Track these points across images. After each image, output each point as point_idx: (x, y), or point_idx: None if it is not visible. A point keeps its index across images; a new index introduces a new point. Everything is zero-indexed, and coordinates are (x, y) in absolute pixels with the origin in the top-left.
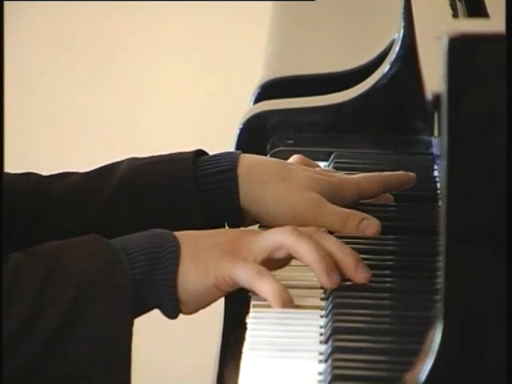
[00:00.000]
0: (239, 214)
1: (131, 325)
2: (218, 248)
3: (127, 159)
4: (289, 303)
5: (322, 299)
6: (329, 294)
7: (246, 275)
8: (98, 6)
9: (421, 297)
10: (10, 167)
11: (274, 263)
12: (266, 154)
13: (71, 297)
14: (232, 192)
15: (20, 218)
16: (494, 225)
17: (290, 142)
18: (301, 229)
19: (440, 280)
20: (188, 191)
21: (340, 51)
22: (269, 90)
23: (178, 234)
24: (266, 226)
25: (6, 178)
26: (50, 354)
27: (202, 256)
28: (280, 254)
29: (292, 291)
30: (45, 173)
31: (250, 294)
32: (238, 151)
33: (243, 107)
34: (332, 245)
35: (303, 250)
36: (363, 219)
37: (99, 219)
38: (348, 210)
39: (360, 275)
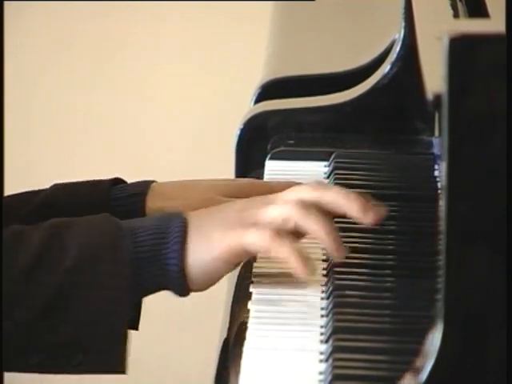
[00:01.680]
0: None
1: (130, 300)
2: (224, 220)
3: (53, 185)
4: (309, 265)
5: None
6: (329, 292)
7: (260, 239)
8: (98, 5)
9: (421, 296)
10: (10, 167)
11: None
12: (266, 154)
13: (70, 267)
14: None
15: None
16: (495, 225)
17: (291, 142)
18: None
19: (440, 280)
20: (102, 207)
21: (341, 51)
22: (269, 90)
23: (186, 213)
24: None
25: None
26: (44, 321)
27: (210, 230)
28: (288, 227)
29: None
30: (44, 173)
31: (250, 291)
32: (150, 181)
33: (244, 107)
34: (336, 197)
35: (312, 226)
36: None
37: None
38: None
39: (369, 218)
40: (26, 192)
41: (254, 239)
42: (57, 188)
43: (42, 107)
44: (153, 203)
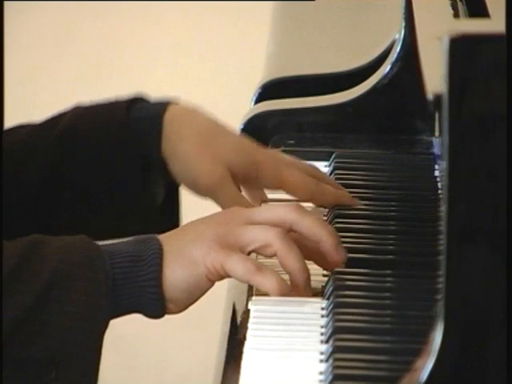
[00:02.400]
0: (162, 166)
1: (105, 319)
2: (202, 238)
3: (72, 108)
4: (290, 293)
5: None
6: (329, 292)
7: (243, 270)
8: (98, 5)
9: (422, 296)
10: None
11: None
12: None
13: (47, 280)
14: (154, 140)
15: None
16: (495, 225)
17: (291, 142)
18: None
19: (441, 280)
20: (120, 137)
21: (341, 51)
22: (270, 90)
23: (161, 235)
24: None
25: None
26: (18, 333)
27: (188, 249)
28: (267, 254)
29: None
30: None
31: (250, 296)
32: (174, 100)
33: (244, 107)
34: (313, 225)
35: (289, 260)
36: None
37: (50, 166)
38: (245, 201)
39: (340, 256)
40: (45, 121)
41: (236, 267)
42: (76, 114)
43: (42, 106)
44: (166, 136)
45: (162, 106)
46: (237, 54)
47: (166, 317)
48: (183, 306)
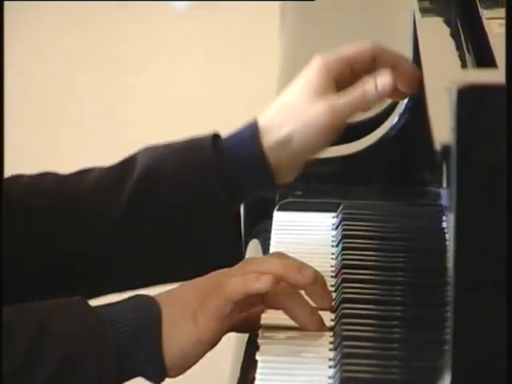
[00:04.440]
0: (271, 177)
1: None
2: (192, 305)
3: (142, 150)
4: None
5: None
6: (337, 343)
7: (239, 285)
8: (104, 8)
9: (429, 347)
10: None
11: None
12: (274, 205)
13: (57, 362)
14: (258, 153)
15: (39, 217)
16: (502, 275)
17: (299, 193)
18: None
19: (448, 331)
20: (213, 176)
21: None
22: None
23: (159, 297)
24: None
25: (23, 179)
26: None
27: (183, 317)
28: (249, 302)
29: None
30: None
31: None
32: (252, 121)
33: None
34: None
35: (268, 269)
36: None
37: (126, 210)
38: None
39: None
40: (118, 163)
41: (235, 287)
42: (148, 167)
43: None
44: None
45: (250, 128)
46: (246, 92)
47: None
48: (182, 370)
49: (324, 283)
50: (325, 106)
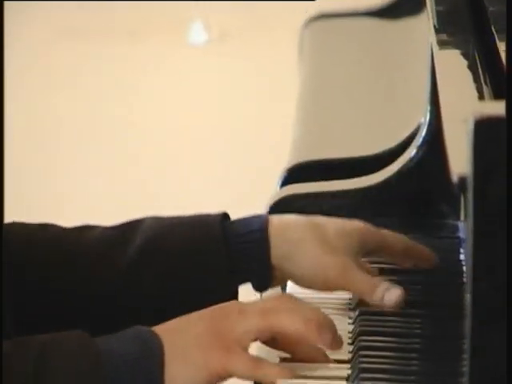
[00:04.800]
0: (269, 272)
1: None
2: (201, 339)
3: (148, 218)
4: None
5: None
6: (355, 376)
7: (243, 368)
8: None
9: (446, 379)
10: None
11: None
12: None
13: None
14: (264, 250)
15: (37, 269)
16: None
17: None
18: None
19: (465, 363)
20: (217, 254)
21: (367, 135)
22: (295, 174)
23: (159, 330)
24: (297, 284)
25: (23, 230)
26: None
27: (188, 352)
28: (265, 337)
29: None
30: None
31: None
32: (265, 214)
33: (269, 189)
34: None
35: (288, 326)
36: (388, 288)
37: (126, 274)
38: (376, 279)
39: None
40: (121, 224)
41: (238, 368)
42: (153, 234)
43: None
44: (276, 245)
45: (260, 219)
46: (262, 137)
47: None
48: None
49: (339, 339)
50: (341, 266)
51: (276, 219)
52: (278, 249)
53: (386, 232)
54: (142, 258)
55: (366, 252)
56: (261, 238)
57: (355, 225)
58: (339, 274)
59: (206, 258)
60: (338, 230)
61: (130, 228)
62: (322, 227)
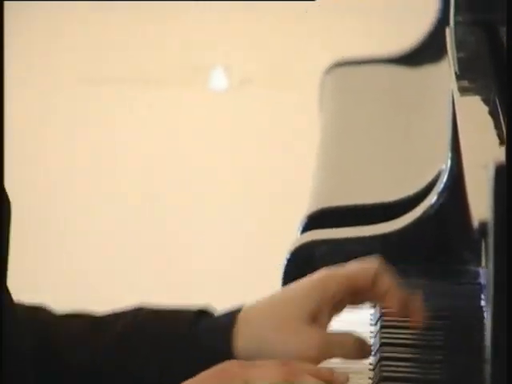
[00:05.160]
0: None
1: None
2: None
3: (135, 308)
4: None
5: None
6: None
7: None
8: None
9: None
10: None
11: None
12: None
13: None
14: (227, 350)
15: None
16: None
17: None
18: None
19: None
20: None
21: (388, 181)
22: (316, 220)
23: None
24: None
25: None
26: None
27: None
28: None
29: None
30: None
31: None
32: (236, 309)
33: (289, 238)
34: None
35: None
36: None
37: (101, 360)
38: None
39: None
40: (107, 315)
41: None
42: (139, 315)
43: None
44: (242, 341)
45: (229, 317)
46: (283, 181)
47: None
48: None
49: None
50: (316, 340)
51: (243, 316)
52: (245, 346)
53: (354, 272)
54: (117, 351)
55: (339, 297)
56: (224, 339)
57: (315, 278)
58: (318, 352)
59: (170, 355)
60: (296, 297)
61: (113, 318)
62: (281, 305)
